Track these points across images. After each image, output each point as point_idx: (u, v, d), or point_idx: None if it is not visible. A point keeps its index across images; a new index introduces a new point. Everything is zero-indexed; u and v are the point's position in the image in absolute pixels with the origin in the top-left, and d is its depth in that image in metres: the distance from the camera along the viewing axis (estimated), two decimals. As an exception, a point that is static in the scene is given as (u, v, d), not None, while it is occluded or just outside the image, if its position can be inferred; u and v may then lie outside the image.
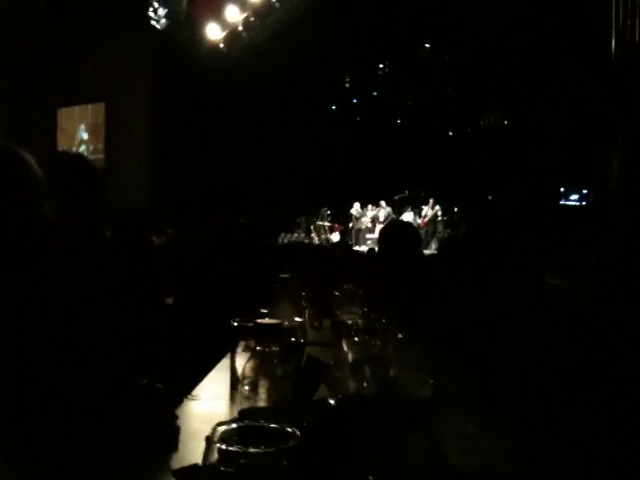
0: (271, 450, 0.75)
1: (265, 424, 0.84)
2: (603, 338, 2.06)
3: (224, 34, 14.92)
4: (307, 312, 3.22)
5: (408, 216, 15.92)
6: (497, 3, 12.39)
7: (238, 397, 2.05)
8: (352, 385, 1.70)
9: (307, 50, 14.56)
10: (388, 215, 16.19)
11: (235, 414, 1.85)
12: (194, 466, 1.41)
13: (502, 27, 12.72)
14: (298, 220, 16.96)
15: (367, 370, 1.66)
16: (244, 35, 14.78)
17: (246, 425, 0.85)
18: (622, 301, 2.05)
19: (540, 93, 12.10)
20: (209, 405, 1.91)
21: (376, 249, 12.78)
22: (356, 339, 1.88)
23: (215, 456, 0.80)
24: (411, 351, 1.45)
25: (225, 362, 2.16)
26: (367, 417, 1.27)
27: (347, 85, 16.30)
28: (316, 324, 3.26)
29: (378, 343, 1.76)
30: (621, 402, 1.83)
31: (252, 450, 0.76)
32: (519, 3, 11.94)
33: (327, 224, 16.77)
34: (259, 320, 1.85)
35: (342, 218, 16.92)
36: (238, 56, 15.07)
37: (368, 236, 16.29)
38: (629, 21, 9.54)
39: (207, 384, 2.07)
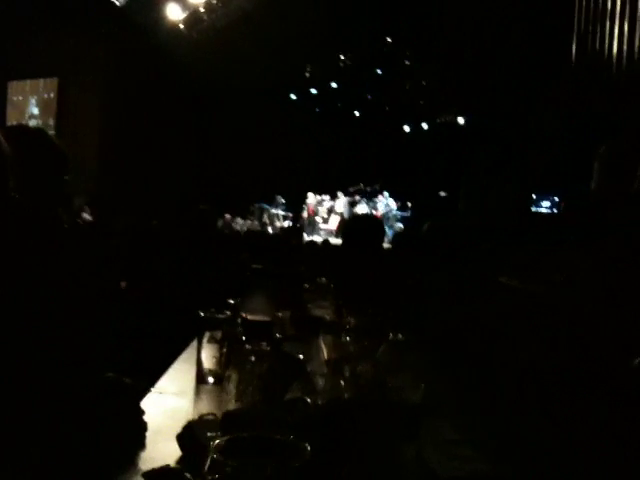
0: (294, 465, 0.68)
1: (272, 436, 0.77)
2: (566, 338, 2.05)
3: (185, 15, 14.63)
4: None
5: (362, 208, 15.93)
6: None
7: (203, 392, 1.97)
8: (329, 384, 1.63)
9: (269, 36, 14.39)
10: (345, 207, 16.20)
11: (199, 409, 1.77)
12: (165, 468, 1.33)
13: (470, 25, 12.79)
14: (251, 207, 16.81)
15: (347, 370, 1.60)
16: (205, 18, 14.52)
17: (250, 436, 0.78)
18: (596, 300, 2.05)
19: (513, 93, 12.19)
20: (173, 400, 1.82)
21: (330, 240, 12.73)
22: (336, 338, 1.82)
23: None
24: (398, 352, 1.40)
25: (188, 354, 2.08)
26: (357, 422, 1.21)
27: (307, 75, 16.17)
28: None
29: (355, 342, 1.70)
30: (606, 401, 1.82)
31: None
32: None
33: (281, 212, 16.68)
34: (248, 316, 1.77)
35: (296, 207, 16.85)
36: (198, 38, 14.81)
37: (322, 226, 16.25)
38: (590, 27, 9.69)
39: (171, 377, 1.98)
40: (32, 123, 15.72)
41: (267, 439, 0.78)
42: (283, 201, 16.91)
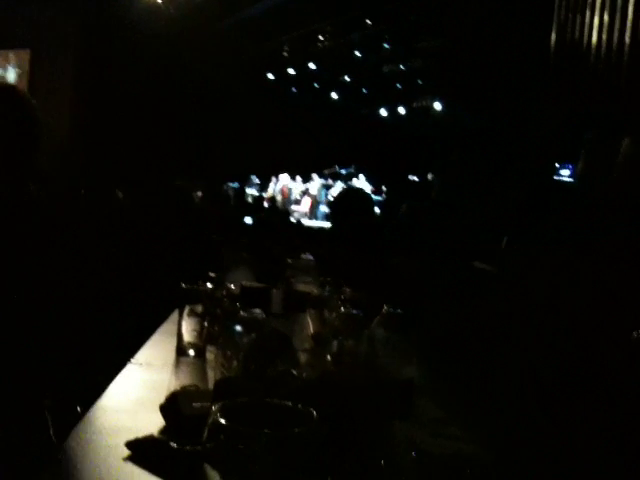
0: (300, 431, 0.66)
1: (273, 401, 0.74)
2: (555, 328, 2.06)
3: (162, -11, 14.38)
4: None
5: (336, 191, 15.89)
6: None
7: (184, 364, 1.94)
8: (314, 359, 1.61)
9: (247, 14, 14.23)
10: (318, 189, 16.15)
11: (180, 381, 1.74)
12: (149, 437, 1.30)
13: (449, 12, 12.77)
14: (225, 187, 16.67)
15: (333, 345, 1.58)
16: (183, -8, 14.30)
17: (250, 401, 0.75)
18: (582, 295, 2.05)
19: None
20: (154, 371, 1.79)
21: (302, 221, 12.69)
22: (321, 312, 1.79)
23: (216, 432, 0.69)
24: (392, 326, 1.38)
25: (169, 326, 2.04)
26: (344, 397, 1.19)
27: (285, 54, 16.02)
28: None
29: (343, 316, 1.67)
30: (601, 395, 1.83)
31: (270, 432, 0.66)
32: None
33: (255, 193, 16.58)
34: (244, 283, 1.73)
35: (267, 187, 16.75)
36: (175, 14, 14.59)
37: (294, 207, 16.18)
38: (570, 17, 9.71)
39: (152, 349, 1.94)
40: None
41: (269, 405, 0.76)
42: (257, 181, 16.80)
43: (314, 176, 16.28)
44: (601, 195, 2.51)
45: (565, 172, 10.66)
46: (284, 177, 16.74)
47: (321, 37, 15.95)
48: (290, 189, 16.50)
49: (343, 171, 16.73)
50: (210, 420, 0.69)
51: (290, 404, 0.74)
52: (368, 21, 15.25)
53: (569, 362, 1.94)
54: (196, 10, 14.11)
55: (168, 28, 14.91)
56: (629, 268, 2.07)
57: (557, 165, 9.14)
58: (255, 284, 1.73)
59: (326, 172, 16.46)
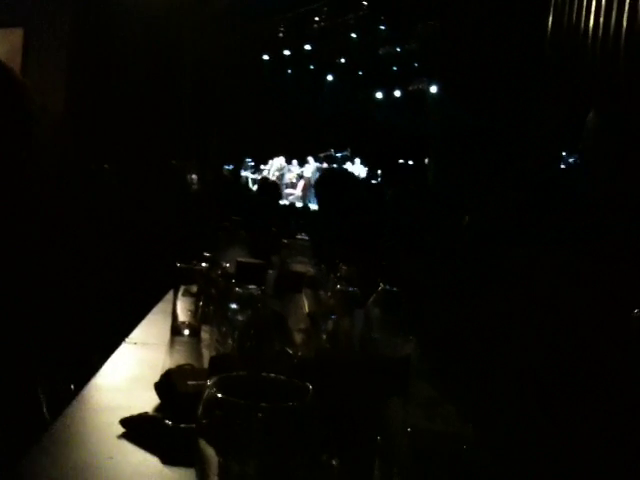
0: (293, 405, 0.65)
1: (269, 376, 0.73)
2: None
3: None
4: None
5: (332, 175, 15.83)
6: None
7: (179, 343, 1.93)
8: (310, 338, 1.61)
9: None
10: (313, 172, 16.10)
11: (175, 360, 1.73)
12: (143, 415, 1.29)
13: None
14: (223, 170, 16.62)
15: (329, 324, 1.57)
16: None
17: (246, 376, 0.74)
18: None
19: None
20: (149, 350, 1.78)
21: (297, 204, 12.66)
22: (317, 292, 1.79)
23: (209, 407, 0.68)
24: (388, 303, 1.37)
25: (164, 305, 2.03)
26: (340, 375, 1.18)
27: (281, 35, 15.91)
28: None
29: (339, 294, 1.67)
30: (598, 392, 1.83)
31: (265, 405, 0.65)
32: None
33: (251, 176, 16.54)
34: (240, 259, 1.72)
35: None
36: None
37: (289, 191, 16.14)
38: (567, 2, 9.66)
39: (146, 328, 1.93)
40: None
41: (265, 379, 0.75)
42: (252, 163, 16.75)
43: (310, 159, 16.24)
44: (603, 191, 2.50)
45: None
46: (279, 160, 16.70)
47: (317, 18, 15.85)
48: (284, 172, 16.45)
49: (338, 155, 16.69)
50: (205, 395, 0.68)
51: (286, 379, 0.73)
52: (364, 2, 15.16)
53: (568, 361, 1.95)
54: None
55: (164, 6, 14.76)
56: (629, 268, 2.08)
57: (564, 154, 9.13)
58: (251, 260, 1.71)
59: (321, 155, 16.42)
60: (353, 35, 15.89)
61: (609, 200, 2.29)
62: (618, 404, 1.69)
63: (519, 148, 9.49)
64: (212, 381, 0.70)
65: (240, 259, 1.71)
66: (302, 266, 2.09)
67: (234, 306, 1.57)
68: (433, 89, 16.37)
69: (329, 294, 1.81)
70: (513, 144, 9.77)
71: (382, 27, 15.63)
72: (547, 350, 1.98)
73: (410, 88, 16.64)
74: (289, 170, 16.45)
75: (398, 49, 15.90)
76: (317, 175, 16.06)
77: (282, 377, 0.73)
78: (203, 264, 1.88)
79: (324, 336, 1.56)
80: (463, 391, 1.62)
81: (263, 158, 16.70)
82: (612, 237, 2.09)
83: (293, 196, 15.72)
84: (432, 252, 2.96)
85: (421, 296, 2.67)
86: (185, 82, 15.80)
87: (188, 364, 1.54)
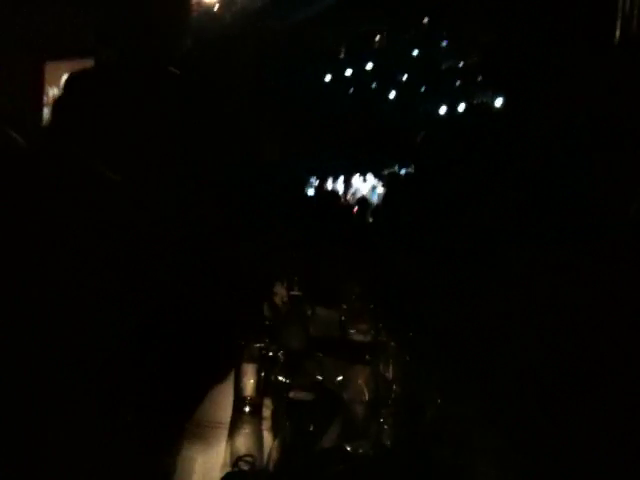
0: None
1: None
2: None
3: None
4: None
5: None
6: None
7: (240, 421, 1.92)
8: (370, 428, 1.57)
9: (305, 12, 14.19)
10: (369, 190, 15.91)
11: (236, 443, 1.72)
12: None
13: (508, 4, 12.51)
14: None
15: (389, 413, 1.54)
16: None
17: None
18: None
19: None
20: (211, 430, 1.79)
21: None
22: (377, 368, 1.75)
23: None
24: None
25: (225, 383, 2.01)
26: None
27: (342, 56, 15.97)
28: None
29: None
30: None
31: None
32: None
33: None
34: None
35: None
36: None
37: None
38: (636, 10, 9.35)
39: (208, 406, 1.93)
40: None
41: None
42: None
43: (369, 176, 16.17)
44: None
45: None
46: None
47: (378, 36, 15.85)
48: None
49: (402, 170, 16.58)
50: None
51: None
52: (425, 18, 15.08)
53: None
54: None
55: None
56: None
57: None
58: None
59: (386, 172, 16.34)
60: (415, 52, 15.83)
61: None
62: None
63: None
64: None
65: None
66: (361, 335, 2.06)
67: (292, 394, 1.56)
68: (498, 102, 16.14)
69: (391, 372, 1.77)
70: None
71: (444, 42, 15.53)
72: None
73: (474, 102, 16.43)
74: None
75: (461, 63, 15.76)
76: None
77: None
78: (265, 340, 1.87)
79: (385, 427, 1.53)
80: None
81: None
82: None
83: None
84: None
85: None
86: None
87: (249, 455, 1.53)
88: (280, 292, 2.82)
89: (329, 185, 16.34)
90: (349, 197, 16.21)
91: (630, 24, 9.66)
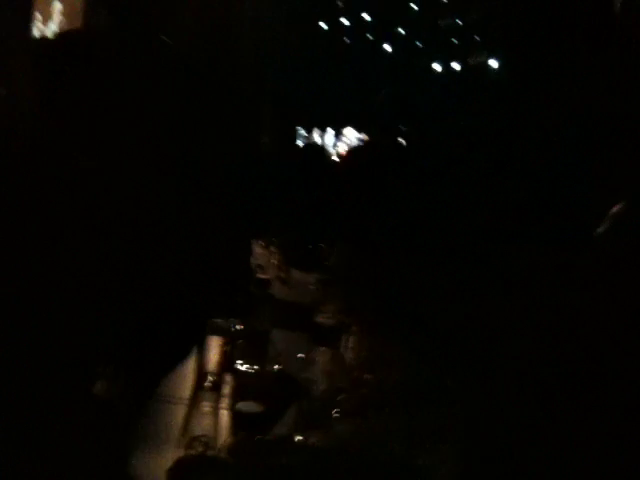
0: None
1: None
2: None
3: None
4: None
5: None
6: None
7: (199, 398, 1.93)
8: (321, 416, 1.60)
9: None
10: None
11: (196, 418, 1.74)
12: None
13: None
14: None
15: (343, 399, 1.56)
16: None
17: None
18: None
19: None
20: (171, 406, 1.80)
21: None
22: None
23: None
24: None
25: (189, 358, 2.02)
26: None
27: (339, 4, 15.69)
28: (283, 275, 3.10)
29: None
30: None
31: None
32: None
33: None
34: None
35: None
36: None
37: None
38: None
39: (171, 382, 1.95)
40: None
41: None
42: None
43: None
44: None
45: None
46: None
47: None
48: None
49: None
50: None
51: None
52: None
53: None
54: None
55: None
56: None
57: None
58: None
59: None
60: (413, 6, 15.59)
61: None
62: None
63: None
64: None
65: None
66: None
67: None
68: (494, 63, 15.95)
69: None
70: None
71: (444, -1, 15.33)
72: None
73: (470, 62, 16.25)
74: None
75: (459, 21, 15.56)
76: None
77: None
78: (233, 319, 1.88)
79: (338, 416, 1.56)
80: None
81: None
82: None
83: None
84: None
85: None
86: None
87: (203, 435, 1.56)
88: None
89: (317, 137, 16.21)
90: (341, 151, 16.10)
91: (627, 22, 9.52)
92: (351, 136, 16.36)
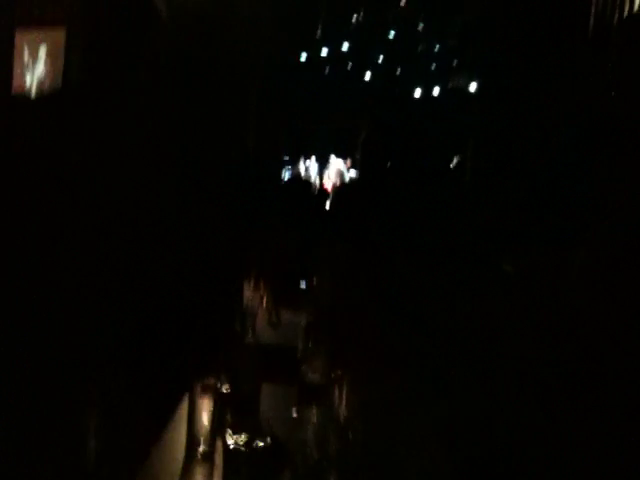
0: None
1: None
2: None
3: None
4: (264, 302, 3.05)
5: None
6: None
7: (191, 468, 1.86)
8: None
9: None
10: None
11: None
12: None
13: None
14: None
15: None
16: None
17: None
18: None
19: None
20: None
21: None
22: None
23: None
24: None
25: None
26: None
27: (318, 35, 15.82)
28: (274, 320, 3.09)
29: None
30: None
31: None
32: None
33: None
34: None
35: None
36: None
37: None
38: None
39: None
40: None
41: None
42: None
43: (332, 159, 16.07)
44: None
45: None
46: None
47: (355, 16, 15.73)
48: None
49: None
50: None
51: None
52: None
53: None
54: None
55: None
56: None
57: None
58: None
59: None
60: (391, 32, 15.76)
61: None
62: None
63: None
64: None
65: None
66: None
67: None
68: (472, 86, 16.09)
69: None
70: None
71: (421, 24, 15.48)
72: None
73: (449, 85, 16.40)
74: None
75: (437, 46, 15.72)
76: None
77: None
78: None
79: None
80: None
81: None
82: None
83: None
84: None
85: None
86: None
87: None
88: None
89: (302, 167, 16.21)
90: (326, 179, 16.10)
91: (604, 19, 9.66)
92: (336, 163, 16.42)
